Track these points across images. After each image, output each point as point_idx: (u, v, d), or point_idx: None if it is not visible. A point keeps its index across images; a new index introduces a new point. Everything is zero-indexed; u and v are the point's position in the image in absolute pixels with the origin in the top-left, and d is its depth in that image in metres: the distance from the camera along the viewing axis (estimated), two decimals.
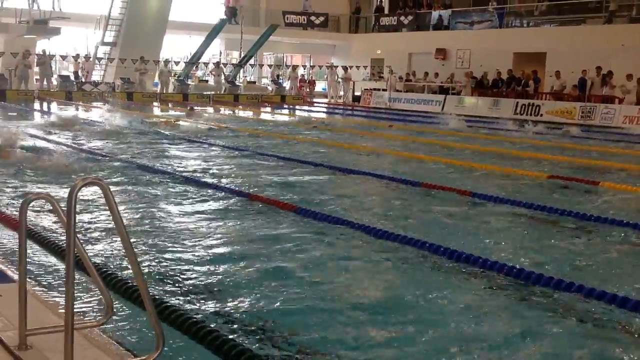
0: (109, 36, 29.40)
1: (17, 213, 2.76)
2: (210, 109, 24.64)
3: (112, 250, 5.42)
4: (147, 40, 28.92)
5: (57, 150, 11.23)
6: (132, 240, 2.75)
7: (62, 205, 2.71)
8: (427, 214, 7.36)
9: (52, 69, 27.89)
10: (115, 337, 3.01)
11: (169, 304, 4.00)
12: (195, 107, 24.06)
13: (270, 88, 32.77)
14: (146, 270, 4.89)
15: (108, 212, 3.10)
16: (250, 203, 7.52)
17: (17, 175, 8.77)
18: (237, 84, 31.60)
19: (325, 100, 32.48)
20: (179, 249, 5.61)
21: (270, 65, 35.88)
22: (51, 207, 2.91)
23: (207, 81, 32.28)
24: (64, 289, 2.53)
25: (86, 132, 14.69)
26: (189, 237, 5.98)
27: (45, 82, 27.04)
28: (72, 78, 28.22)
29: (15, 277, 3.50)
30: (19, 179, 8.52)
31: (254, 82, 34.83)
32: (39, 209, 6.52)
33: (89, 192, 7.19)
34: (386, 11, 35.98)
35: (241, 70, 33.23)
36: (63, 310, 2.70)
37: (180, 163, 10.56)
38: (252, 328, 3.96)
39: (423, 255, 5.54)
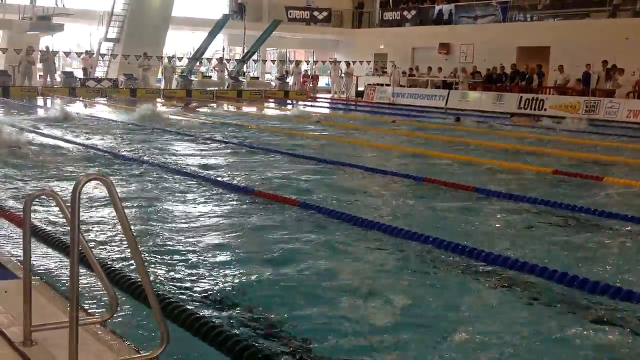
0: (112, 32, 29.39)
1: (21, 209, 2.77)
2: (214, 104, 24.63)
3: (116, 246, 5.44)
4: (150, 37, 28.89)
5: (61, 146, 11.26)
6: (135, 236, 2.76)
7: (67, 201, 2.72)
8: (429, 209, 7.36)
9: (55, 66, 27.93)
10: (119, 333, 3.02)
11: (172, 300, 4.01)
12: (192, 103, 23.99)
13: (273, 84, 32.76)
14: (150, 267, 4.90)
15: (112, 208, 3.11)
16: (253, 198, 7.52)
17: (21, 171, 8.79)
18: (241, 79, 31.58)
19: (329, 95, 32.45)
20: (183, 244, 5.62)
21: (273, 61, 35.83)
22: (55, 203, 2.92)
23: (210, 77, 32.28)
24: (68, 285, 2.54)
25: (88, 127, 14.71)
26: (192, 233, 6.00)
27: (48, 79, 27.08)
28: (82, 74, 28.22)
29: (20, 273, 3.52)
30: (23, 175, 8.54)
31: (257, 78, 34.84)
32: (43, 205, 6.53)
33: (93, 188, 7.20)
34: (390, 6, 35.91)
35: (244, 66, 33.20)
36: (68, 306, 2.70)
37: (184, 159, 10.57)
38: (256, 324, 3.97)
39: (427, 250, 5.55)
